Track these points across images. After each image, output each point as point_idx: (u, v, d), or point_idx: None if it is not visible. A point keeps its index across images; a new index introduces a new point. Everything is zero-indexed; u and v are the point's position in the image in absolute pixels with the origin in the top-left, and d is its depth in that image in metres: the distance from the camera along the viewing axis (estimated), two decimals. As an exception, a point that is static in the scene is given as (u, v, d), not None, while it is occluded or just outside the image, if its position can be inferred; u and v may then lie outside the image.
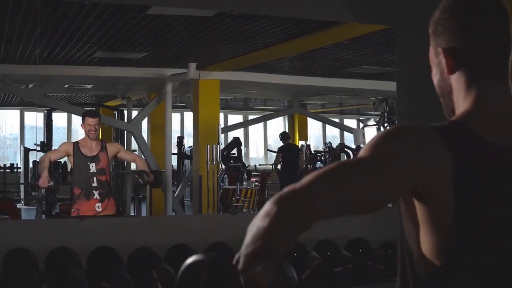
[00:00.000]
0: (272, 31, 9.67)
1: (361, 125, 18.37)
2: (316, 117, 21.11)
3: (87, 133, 7.76)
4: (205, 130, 13.80)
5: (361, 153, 1.80)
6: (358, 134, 17.77)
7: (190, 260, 1.83)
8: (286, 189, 1.68)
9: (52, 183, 7.54)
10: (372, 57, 12.21)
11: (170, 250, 6.58)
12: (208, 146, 12.87)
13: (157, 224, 7.27)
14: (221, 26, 9.38)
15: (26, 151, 17.44)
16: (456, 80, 1.96)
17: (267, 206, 1.66)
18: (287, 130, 22.69)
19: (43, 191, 12.76)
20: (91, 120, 7.76)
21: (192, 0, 6.79)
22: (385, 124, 15.41)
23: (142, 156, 12.05)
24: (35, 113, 17.59)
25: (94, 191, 7.61)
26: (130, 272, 6.08)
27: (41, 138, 16.76)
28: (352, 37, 9.93)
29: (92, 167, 7.70)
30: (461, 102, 1.94)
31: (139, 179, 7.97)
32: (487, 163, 1.80)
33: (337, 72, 14.39)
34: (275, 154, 16.55)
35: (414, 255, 1.87)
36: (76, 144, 7.81)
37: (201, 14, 8.46)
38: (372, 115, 17.69)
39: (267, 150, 23.69)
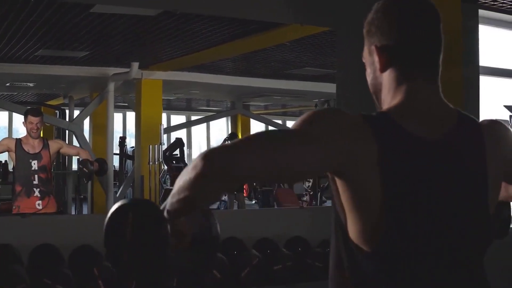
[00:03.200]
0: (215, 31, 9.70)
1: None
2: (258, 118, 21.13)
3: (29, 132, 7.75)
4: (147, 130, 13.74)
5: (293, 125, 1.87)
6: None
7: (116, 205, 1.88)
8: (218, 146, 1.77)
9: None
10: (314, 59, 12.29)
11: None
12: (150, 146, 12.83)
13: (98, 222, 7.22)
14: (164, 26, 9.38)
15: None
16: (387, 78, 2.06)
17: (196, 159, 1.73)
18: (229, 131, 22.71)
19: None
20: (33, 119, 7.74)
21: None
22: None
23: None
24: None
25: (34, 189, 7.60)
26: (71, 269, 6.07)
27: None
28: (294, 38, 10.01)
29: (34, 164, 7.68)
30: (390, 99, 2.05)
31: (84, 168, 7.95)
32: (410, 155, 1.91)
33: (279, 74, 14.45)
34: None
35: (349, 237, 1.94)
36: (19, 140, 7.79)
37: (144, 13, 8.46)
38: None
39: (209, 150, 23.63)
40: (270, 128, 17.01)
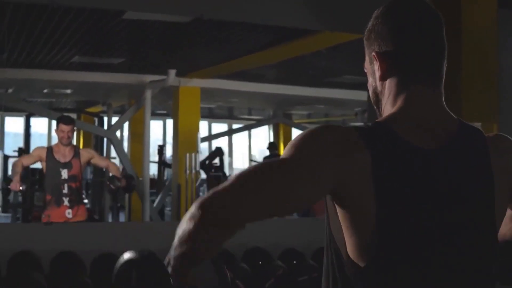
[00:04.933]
0: (252, 38, 9.66)
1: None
2: (299, 127, 21.07)
3: (60, 140, 7.76)
4: (185, 139, 13.73)
5: (283, 154, 1.79)
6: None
7: (122, 259, 1.83)
8: (210, 191, 1.68)
9: (23, 187, 7.54)
10: (352, 66, 12.17)
11: (134, 257, 6.51)
12: (187, 154, 12.79)
13: (121, 230, 7.20)
14: (199, 33, 9.35)
15: (5, 158, 17.33)
16: (388, 86, 2.00)
17: (192, 209, 1.66)
18: (272, 140, 22.70)
19: (19, 198, 12.74)
20: (64, 127, 7.74)
21: (161, 5, 6.74)
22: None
23: (118, 162, 11.98)
24: (15, 118, 17.53)
25: (64, 198, 7.59)
26: (92, 277, 6.03)
27: (20, 144, 16.69)
28: (330, 45, 9.91)
29: (64, 173, 7.67)
30: (389, 106, 1.96)
31: (111, 185, 7.95)
32: (406, 164, 1.81)
33: (319, 82, 14.37)
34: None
35: (342, 255, 1.86)
36: (50, 149, 7.79)
37: (177, 20, 8.41)
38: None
39: (250, 160, 23.65)
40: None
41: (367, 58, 2.01)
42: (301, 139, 1.80)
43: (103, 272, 6.10)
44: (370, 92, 2.04)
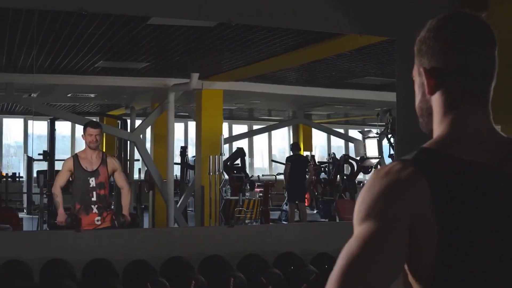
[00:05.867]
0: (275, 41, 9.65)
1: (361, 136, 18.30)
2: (320, 127, 21.06)
3: (88, 144, 7.78)
4: (208, 140, 13.76)
5: (357, 222, 1.80)
6: (359, 145, 17.69)
7: None
8: None
9: (70, 219, 7.60)
10: (376, 68, 12.18)
11: (165, 263, 6.53)
12: (211, 156, 12.83)
13: (153, 237, 7.22)
14: (223, 37, 9.36)
15: (29, 160, 17.42)
16: (436, 101, 1.95)
17: None
18: (291, 141, 22.69)
19: (45, 200, 12.79)
20: (92, 131, 7.77)
21: (188, 11, 6.75)
22: (389, 136, 15.32)
23: (141, 164, 12.00)
24: (38, 122, 17.59)
25: (92, 206, 7.63)
26: (125, 285, 6.04)
27: (45, 147, 16.76)
28: (354, 48, 9.90)
29: (92, 182, 7.71)
30: (438, 124, 1.94)
31: (115, 221, 7.94)
32: (464, 180, 1.78)
33: (341, 83, 14.36)
34: (284, 164, 16.55)
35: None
36: (76, 157, 7.82)
37: (203, 24, 8.43)
38: (376, 126, 17.64)
39: (271, 160, 23.65)
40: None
41: (415, 68, 1.98)
42: (365, 205, 1.79)
43: (135, 279, 6.11)
44: (416, 103, 2.00)
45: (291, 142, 22.19)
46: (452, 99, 1.90)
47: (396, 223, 1.73)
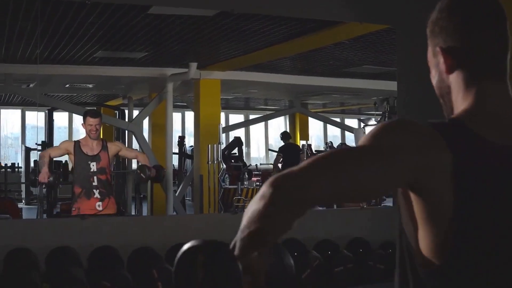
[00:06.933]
0: (272, 30, 9.66)
1: (362, 124, 18.34)
2: (316, 116, 21.08)
3: (88, 133, 7.77)
4: (206, 130, 13.80)
5: (361, 142, 1.76)
6: (358, 133, 17.75)
7: (186, 246, 1.79)
8: (284, 171, 1.65)
9: (51, 178, 7.54)
10: (373, 56, 12.18)
11: (170, 250, 6.57)
12: (209, 145, 12.86)
13: (158, 224, 7.27)
14: (222, 26, 9.37)
15: (27, 150, 17.43)
16: (455, 80, 1.94)
17: (263, 188, 1.62)
18: (288, 130, 22.69)
19: (44, 190, 12.77)
20: (92, 120, 7.76)
21: (192, 0, 6.78)
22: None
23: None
24: (36, 112, 17.61)
25: (94, 190, 7.61)
26: (130, 271, 6.08)
27: (42, 137, 16.78)
28: (352, 36, 9.91)
29: (93, 166, 7.69)
30: (460, 102, 1.92)
31: (141, 174, 7.96)
32: (487, 163, 1.78)
33: (338, 72, 14.37)
34: (276, 153, 16.54)
35: (414, 253, 1.84)
36: (77, 143, 7.82)
37: (202, 13, 8.44)
38: (373, 114, 17.66)
39: (268, 149, 23.68)
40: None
41: (430, 49, 1.98)
42: (380, 129, 1.78)
43: (141, 266, 6.15)
44: (434, 84, 2.00)
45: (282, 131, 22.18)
46: (471, 75, 1.90)
47: (402, 163, 1.72)
